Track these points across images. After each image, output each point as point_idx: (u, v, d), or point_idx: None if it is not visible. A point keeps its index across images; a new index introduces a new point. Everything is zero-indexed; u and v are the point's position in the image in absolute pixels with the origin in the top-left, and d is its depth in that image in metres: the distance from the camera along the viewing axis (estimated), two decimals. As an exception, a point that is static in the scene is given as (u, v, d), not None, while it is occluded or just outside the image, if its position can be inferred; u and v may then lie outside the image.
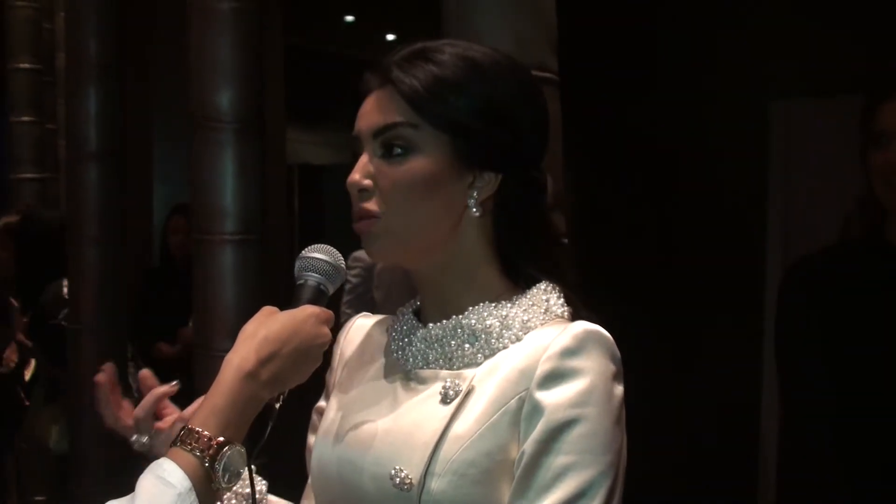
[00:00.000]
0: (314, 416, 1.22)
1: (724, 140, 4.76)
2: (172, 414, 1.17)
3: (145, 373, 1.19)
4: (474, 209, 1.06)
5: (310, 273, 1.09)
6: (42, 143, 5.23)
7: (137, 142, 5.11)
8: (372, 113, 1.06)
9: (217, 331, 2.46)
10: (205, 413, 0.97)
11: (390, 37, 7.57)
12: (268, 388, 1.00)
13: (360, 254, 3.99)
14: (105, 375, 1.17)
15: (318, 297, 1.08)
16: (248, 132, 2.54)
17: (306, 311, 1.04)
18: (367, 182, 1.06)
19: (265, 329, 1.01)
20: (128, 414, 1.17)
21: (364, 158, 1.07)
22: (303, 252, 1.11)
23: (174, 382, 1.18)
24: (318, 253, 1.10)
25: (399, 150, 1.04)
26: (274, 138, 4.44)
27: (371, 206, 1.06)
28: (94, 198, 3.27)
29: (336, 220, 6.90)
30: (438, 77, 1.03)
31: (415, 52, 1.06)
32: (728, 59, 4.73)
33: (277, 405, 1.04)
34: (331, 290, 1.10)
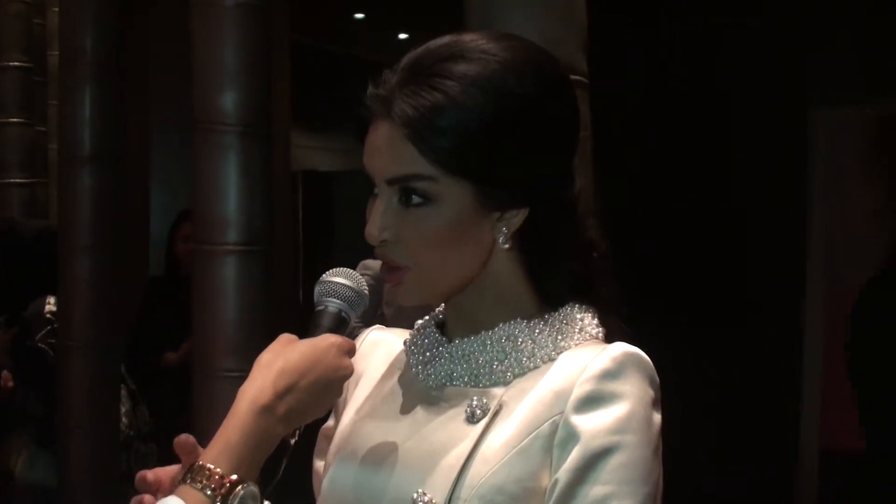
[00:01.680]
0: (320, 440, 1.21)
1: (762, 148, 4.75)
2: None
3: (186, 439, 1.07)
4: (503, 243, 1.04)
5: (330, 299, 1.08)
6: (32, 147, 5.24)
7: (135, 145, 5.13)
8: (381, 155, 1.02)
9: (218, 349, 2.46)
10: (217, 448, 0.95)
11: (403, 35, 7.59)
12: (284, 423, 0.98)
13: (371, 262, 3.99)
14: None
15: (339, 325, 1.07)
16: (252, 135, 2.54)
17: (328, 341, 1.03)
18: (387, 234, 1.03)
19: (283, 359, 1.00)
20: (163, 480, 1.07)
21: (380, 207, 1.03)
22: (323, 276, 1.10)
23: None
24: (340, 277, 1.09)
25: (418, 199, 1.01)
26: (279, 143, 4.44)
27: (398, 258, 1.04)
28: (87, 205, 3.27)
29: (345, 231, 6.91)
30: (448, 113, 0.97)
31: (421, 70, 1.00)
32: (766, 63, 4.73)
33: (293, 441, 1.03)
34: (353, 318, 1.09)
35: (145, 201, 5.36)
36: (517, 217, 1.04)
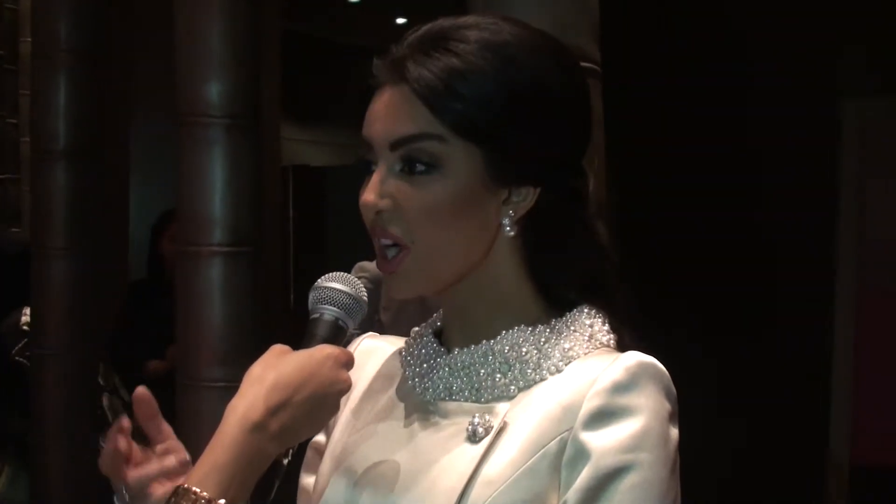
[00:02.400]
0: (309, 454, 1.20)
1: (789, 141, 4.75)
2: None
3: (142, 392, 1.12)
4: (508, 228, 1.04)
5: (326, 306, 1.06)
6: (2, 140, 5.25)
7: (113, 139, 5.13)
8: (387, 118, 1.02)
9: (203, 357, 2.46)
10: (204, 469, 0.94)
11: (401, 20, 7.59)
12: (277, 442, 0.97)
13: (367, 264, 3.99)
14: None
15: (336, 335, 1.06)
16: (240, 129, 2.54)
17: (323, 352, 1.01)
18: (385, 203, 1.02)
19: (275, 372, 0.98)
20: (136, 466, 1.09)
21: (379, 174, 1.03)
22: (318, 281, 1.09)
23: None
24: (336, 283, 1.08)
25: (422, 167, 1.01)
26: (269, 136, 4.45)
27: (396, 232, 1.03)
28: (61, 203, 3.27)
29: (338, 230, 6.91)
30: (461, 72, 0.99)
31: (432, 36, 1.02)
32: (794, 53, 4.72)
33: (286, 461, 1.02)
34: (350, 328, 1.08)
35: (124, 199, 5.35)
36: (525, 201, 1.04)
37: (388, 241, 1.03)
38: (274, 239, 5.30)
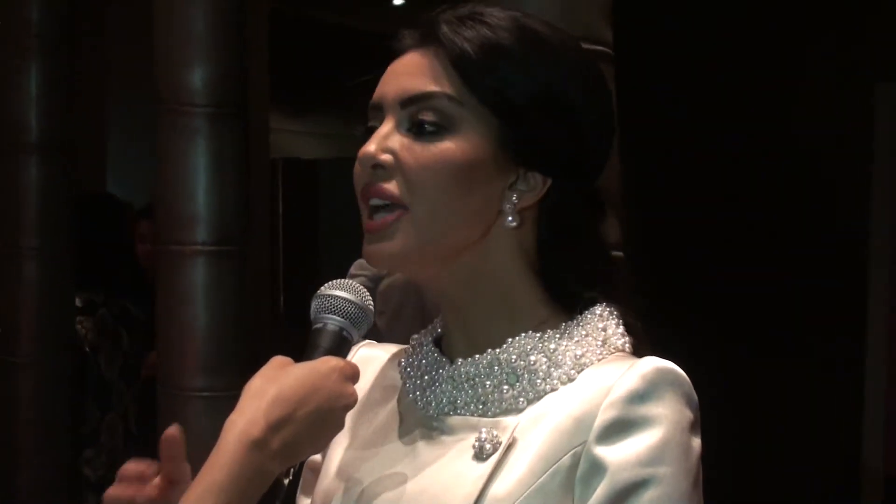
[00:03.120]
0: (306, 473, 1.21)
1: (820, 128, 4.74)
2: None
3: (174, 432, 1.09)
4: (510, 217, 1.04)
5: (330, 316, 1.07)
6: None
7: (88, 131, 5.13)
8: (403, 77, 1.04)
9: (186, 364, 2.46)
10: (201, 489, 0.94)
11: (399, 1, 7.59)
12: (278, 460, 0.98)
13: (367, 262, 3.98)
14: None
15: (340, 346, 1.06)
16: (225, 118, 2.55)
17: (328, 364, 1.02)
18: (387, 157, 1.03)
19: (276, 386, 0.99)
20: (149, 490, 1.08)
21: (384, 128, 1.04)
22: (321, 289, 1.09)
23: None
24: (341, 290, 1.08)
25: (432, 128, 1.02)
26: (256, 126, 4.45)
27: (394, 190, 1.03)
28: (33, 199, 3.28)
29: (332, 227, 6.91)
30: (495, 45, 1.02)
31: (467, 12, 1.06)
32: (826, 34, 4.72)
33: (287, 480, 1.03)
34: (355, 338, 1.09)
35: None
36: (532, 192, 1.05)
37: (381, 201, 1.03)
38: (262, 237, 5.30)
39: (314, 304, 1.08)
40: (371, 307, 1.09)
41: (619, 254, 1.58)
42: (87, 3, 3.81)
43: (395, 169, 1.03)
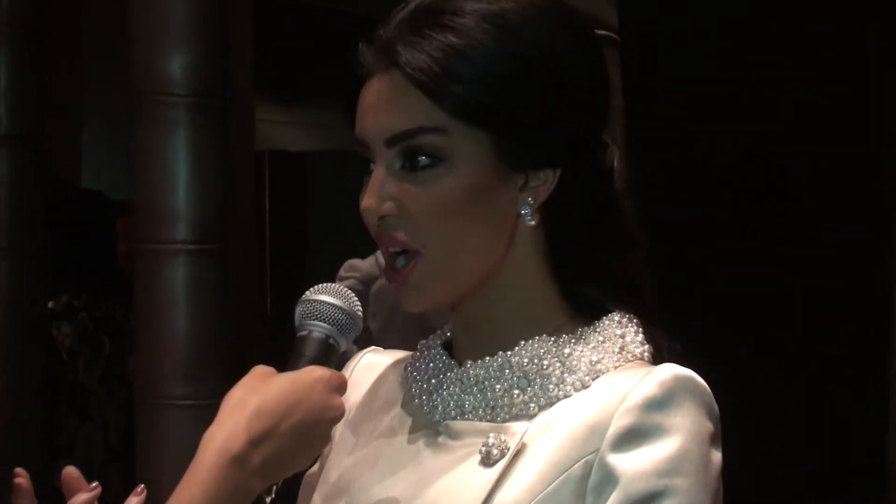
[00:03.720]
0: (304, 491, 1.21)
1: (833, 116, 4.75)
2: None
3: (70, 471, 1.16)
4: (529, 217, 1.05)
5: (315, 322, 1.07)
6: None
7: (62, 123, 5.13)
8: (378, 113, 1.04)
9: (166, 371, 2.47)
10: None
11: (393, -16, 7.60)
12: (260, 476, 0.98)
13: (358, 262, 4.00)
14: (24, 480, 1.14)
15: (327, 355, 1.07)
16: (207, 108, 2.55)
17: (313, 374, 1.02)
18: (388, 207, 1.04)
19: (258, 397, 0.99)
20: None
21: (378, 175, 1.04)
22: (306, 294, 1.10)
23: (94, 485, 1.16)
24: (327, 295, 1.08)
25: (426, 160, 1.03)
26: (240, 117, 4.45)
27: (404, 237, 1.04)
28: (3, 196, 3.27)
29: (321, 224, 6.91)
30: (459, 49, 1.01)
31: (423, 12, 1.04)
32: (839, 19, 4.72)
33: (270, 498, 1.03)
34: (343, 346, 1.09)
35: (74, 191, 5.36)
36: (545, 185, 1.05)
37: (396, 249, 1.05)
38: (247, 235, 5.30)
39: (299, 310, 1.08)
40: (360, 313, 1.09)
41: (640, 245, 1.59)
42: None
43: (401, 215, 1.04)
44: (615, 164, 1.10)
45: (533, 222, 1.05)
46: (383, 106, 1.03)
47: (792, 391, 4.79)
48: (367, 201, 1.03)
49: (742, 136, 4.89)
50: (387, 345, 1.26)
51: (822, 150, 4.81)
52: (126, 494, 1.16)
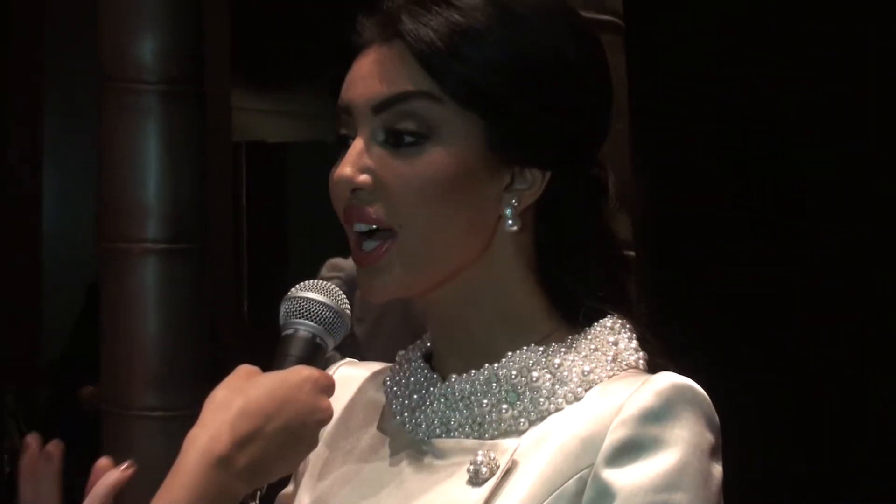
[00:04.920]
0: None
1: (846, 109, 4.76)
2: None
3: (104, 462, 1.14)
4: (510, 221, 1.06)
5: (301, 320, 1.08)
6: None
7: (22, 113, 5.12)
8: (371, 79, 1.05)
9: (134, 380, 2.46)
10: None
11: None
12: (245, 480, 0.99)
13: (341, 261, 4.00)
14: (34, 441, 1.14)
15: (314, 355, 1.07)
16: (180, 96, 2.55)
17: (300, 374, 1.03)
18: (365, 178, 1.04)
19: (243, 398, 1.00)
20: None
21: (358, 144, 1.05)
22: (292, 291, 1.10)
23: (127, 464, 1.16)
24: (314, 292, 1.09)
25: (411, 138, 1.03)
26: (216, 105, 4.45)
27: (378, 214, 1.04)
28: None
29: (302, 220, 6.91)
30: (465, 30, 1.02)
31: None
32: (840, 26, 4.73)
33: (253, 503, 1.04)
34: (330, 346, 1.10)
35: (37, 186, 5.36)
36: (531, 189, 1.06)
37: (366, 227, 1.04)
38: (224, 232, 5.31)
39: (284, 308, 1.09)
40: (348, 311, 1.10)
41: (631, 253, 1.60)
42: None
43: (377, 190, 1.04)
44: (610, 185, 1.11)
45: (514, 227, 1.06)
46: (378, 72, 1.05)
47: (809, 411, 4.81)
48: (343, 170, 1.04)
49: (758, 126, 4.91)
50: (375, 352, 1.26)
51: (841, 138, 4.83)
52: None
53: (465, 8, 1.03)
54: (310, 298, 1.09)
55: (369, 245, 1.05)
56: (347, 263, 3.98)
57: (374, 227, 1.04)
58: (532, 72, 1.04)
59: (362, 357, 1.28)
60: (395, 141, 1.04)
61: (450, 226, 1.04)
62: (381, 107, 1.04)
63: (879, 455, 4.73)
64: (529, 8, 1.06)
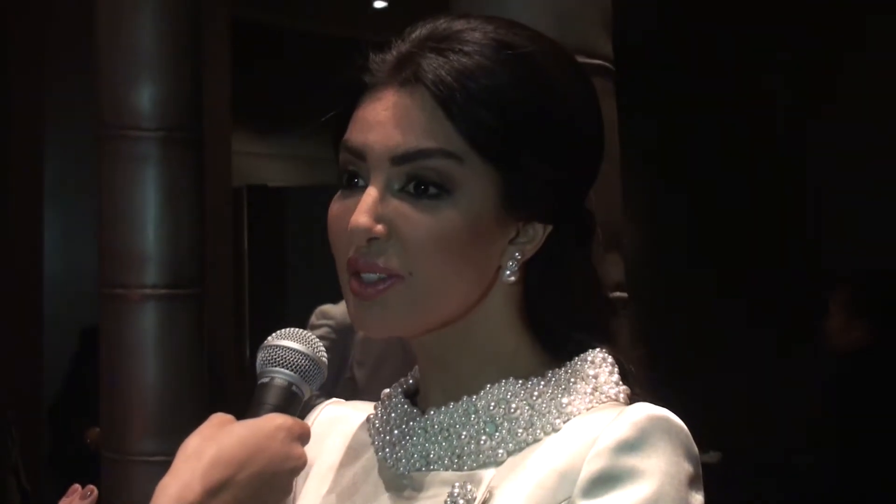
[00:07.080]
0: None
1: (872, 148, 4.75)
2: None
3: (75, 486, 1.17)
4: (508, 272, 1.07)
5: (277, 369, 1.09)
6: None
7: (22, 157, 5.14)
8: (390, 127, 1.05)
9: (133, 425, 2.46)
10: None
11: (379, 4, 7.63)
12: None
13: (331, 308, 3.96)
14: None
15: (289, 403, 1.08)
16: (179, 142, 2.55)
17: (273, 423, 1.04)
18: (381, 228, 1.04)
19: (215, 446, 1.01)
20: None
21: (373, 193, 1.04)
22: (268, 339, 1.11)
23: (88, 488, 1.18)
24: (289, 340, 1.10)
25: (434, 190, 1.04)
26: (216, 150, 4.47)
27: (390, 264, 1.04)
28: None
29: (302, 264, 6.91)
30: (484, 81, 1.03)
31: (441, 35, 1.06)
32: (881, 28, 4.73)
33: None
34: (306, 394, 1.11)
35: (37, 232, 5.37)
36: (532, 242, 1.08)
37: (375, 276, 1.05)
38: (224, 277, 5.31)
39: (260, 356, 1.10)
40: (325, 359, 1.11)
41: (623, 294, 1.61)
42: (22, 15, 3.83)
43: (391, 240, 1.04)
44: (598, 230, 1.12)
45: (512, 279, 1.07)
46: (399, 120, 1.04)
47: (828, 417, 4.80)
48: (359, 219, 1.03)
49: (752, 162, 4.91)
50: (374, 396, 1.27)
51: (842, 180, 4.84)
52: None
53: (480, 57, 1.04)
54: (286, 347, 1.10)
55: (370, 278, 1.05)
56: (337, 310, 3.94)
57: (383, 276, 1.04)
58: (544, 120, 1.05)
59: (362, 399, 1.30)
60: (416, 191, 1.04)
61: (458, 277, 1.05)
62: (402, 159, 1.04)
63: None
64: (539, 55, 1.06)
